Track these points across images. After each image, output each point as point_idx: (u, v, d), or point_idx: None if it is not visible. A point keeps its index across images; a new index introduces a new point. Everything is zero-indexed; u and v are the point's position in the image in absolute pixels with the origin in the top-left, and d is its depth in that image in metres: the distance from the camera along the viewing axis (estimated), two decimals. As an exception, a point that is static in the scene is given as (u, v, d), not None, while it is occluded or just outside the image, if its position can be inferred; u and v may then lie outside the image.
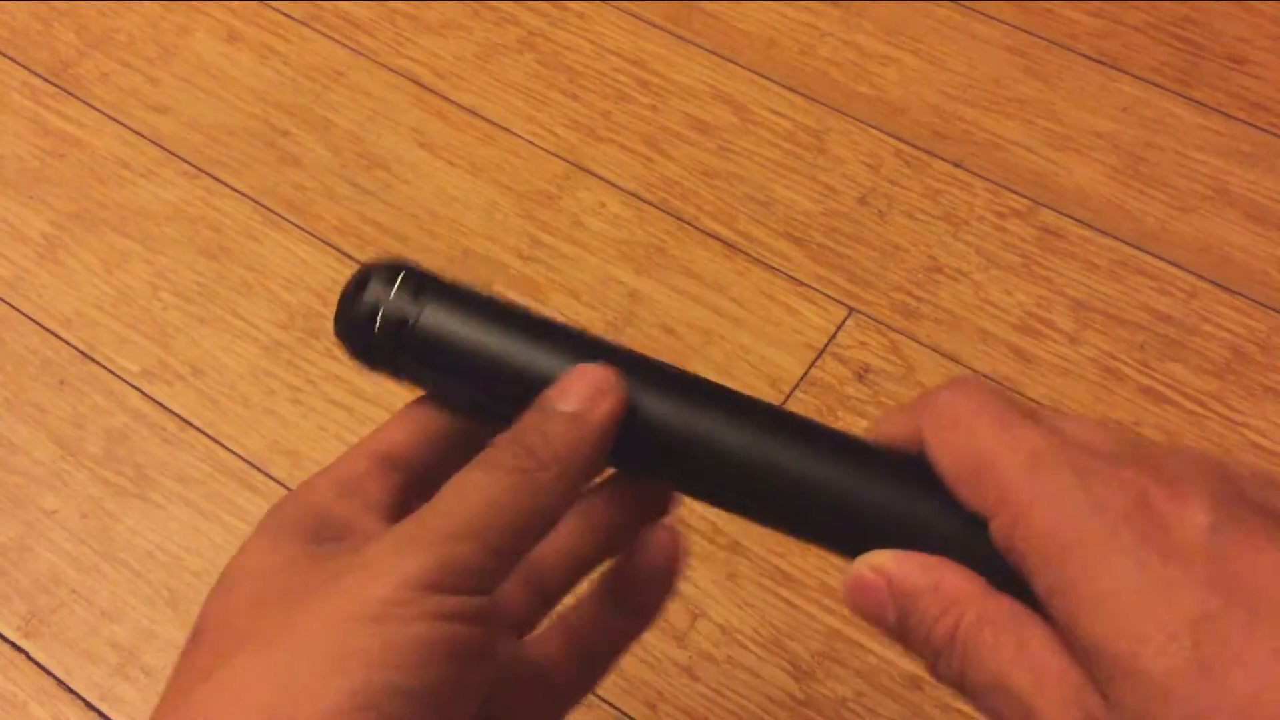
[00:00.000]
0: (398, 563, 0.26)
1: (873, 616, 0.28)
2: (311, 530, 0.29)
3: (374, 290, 0.31)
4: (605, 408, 0.29)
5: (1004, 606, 0.26)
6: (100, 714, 0.58)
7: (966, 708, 0.58)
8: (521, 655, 0.32)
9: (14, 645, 0.60)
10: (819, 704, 0.58)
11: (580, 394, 0.29)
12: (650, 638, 0.60)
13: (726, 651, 0.60)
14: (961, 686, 0.26)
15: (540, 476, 0.28)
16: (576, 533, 0.33)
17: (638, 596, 0.33)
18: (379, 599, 0.25)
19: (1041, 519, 0.25)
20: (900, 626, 0.27)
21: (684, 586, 0.61)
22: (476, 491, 0.27)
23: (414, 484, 0.31)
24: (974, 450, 0.27)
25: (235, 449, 0.66)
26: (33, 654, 0.60)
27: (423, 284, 0.31)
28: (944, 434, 0.28)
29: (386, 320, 0.30)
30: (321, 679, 0.24)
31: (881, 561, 0.28)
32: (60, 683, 0.59)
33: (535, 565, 0.33)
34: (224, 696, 0.25)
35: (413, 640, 0.25)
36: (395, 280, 0.31)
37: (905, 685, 0.59)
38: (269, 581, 0.28)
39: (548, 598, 0.34)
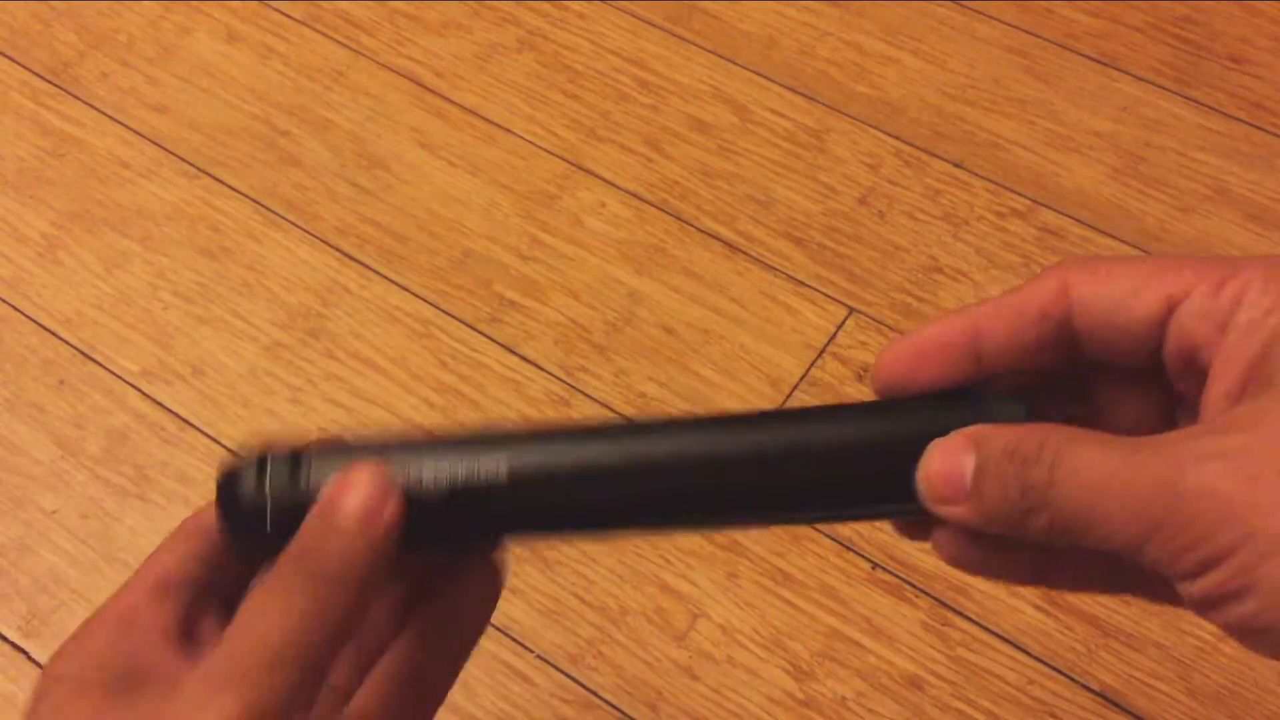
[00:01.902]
0: (215, 711, 0.25)
1: (950, 485, 0.26)
2: (107, 681, 0.28)
3: (249, 486, 0.29)
4: (387, 511, 0.28)
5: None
6: (100, 714, 0.58)
7: (966, 707, 0.58)
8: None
9: (14, 645, 0.60)
10: (819, 704, 0.58)
11: (357, 500, 0.28)
12: (650, 638, 0.60)
13: (726, 651, 0.60)
14: (1061, 525, 0.24)
15: (335, 594, 0.27)
16: (391, 597, 0.32)
17: (452, 638, 0.32)
18: None
19: None
20: (983, 486, 0.25)
21: (684, 586, 0.62)
22: (275, 621, 0.27)
23: (196, 601, 0.31)
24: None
25: (235, 449, 0.66)
26: (33, 654, 0.60)
27: (295, 460, 0.30)
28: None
29: (278, 509, 0.29)
30: None
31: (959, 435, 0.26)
32: (60, 683, 0.59)
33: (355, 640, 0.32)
34: None
35: None
36: (266, 470, 0.29)
37: (905, 685, 0.59)
38: None
39: (370, 656, 0.32)
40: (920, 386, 0.28)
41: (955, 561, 0.28)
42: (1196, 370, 0.26)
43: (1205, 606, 0.23)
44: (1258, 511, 0.22)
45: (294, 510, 0.29)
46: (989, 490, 0.25)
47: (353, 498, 0.28)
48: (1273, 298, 0.24)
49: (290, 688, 0.26)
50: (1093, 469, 0.24)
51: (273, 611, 0.27)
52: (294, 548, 0.28)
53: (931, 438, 0.27)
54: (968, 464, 0.25)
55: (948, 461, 0.26)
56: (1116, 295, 0.26)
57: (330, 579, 0.27)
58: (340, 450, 0.30)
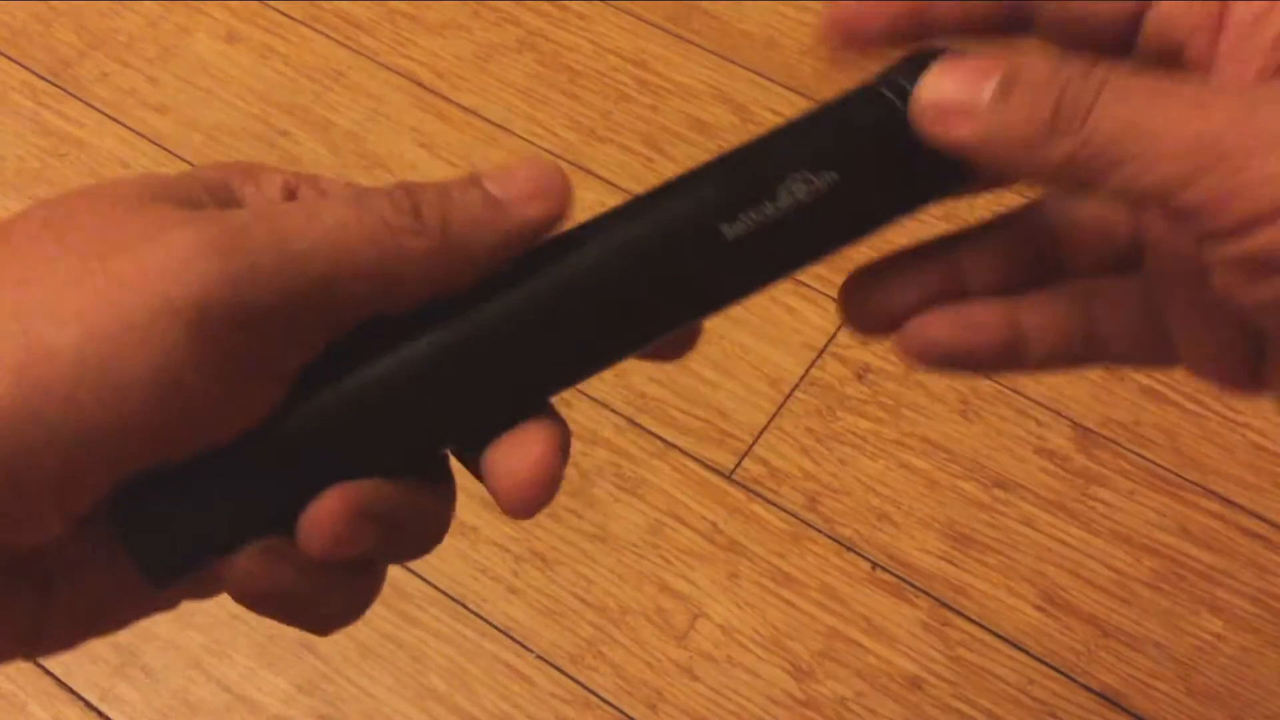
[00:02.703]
0: (202, 263, 0.21)
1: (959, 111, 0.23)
2: (188, 192, 0.23)
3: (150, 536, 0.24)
4: (536, 210, 0.24)
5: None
6: (100, 714, 0.58)
7: (966, 707, 0.58)
8: None
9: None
10: (819, 704, 0.58)
11: (520, 183, 0.24)
12: (650, 638, 0.60)
13: (726, 651, 0.60)
14: (1088, 154, 0.21)
15: (407, 243, 0.23)
16: None
17: None
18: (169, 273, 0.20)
19: None
20: (1006, 101, 0.22)
21: (684, 586, 0.62)
22: (325, 218, 0.22)
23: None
24: None
25: (235, 449, 0.66)
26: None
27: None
28: None
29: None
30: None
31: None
32: (60, 682, 0.59)
33: None
34: None
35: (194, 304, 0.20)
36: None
37: (905, 685, 0.59)
38: (93, 210, 0.22)
39: None
40: (867, 42, 0.25)
41: (927, 333, 0.26)
42: (1176, 68, 0.23)
43: (1242, 273, 0.20)
44: None
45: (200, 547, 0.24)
46: (1016, 103, 0.22)
47: (519, 177, 0.24)
48: None
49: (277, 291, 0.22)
50: (1148, 95, 0.21)
51: (331, 216, 0.22)
52: (414, 182, 0.24)
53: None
54: (987, 82, 0.22)
55: (963, 77, 0.23)
56: None
57: (423, 222, 0.23)
58: None
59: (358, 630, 0.61)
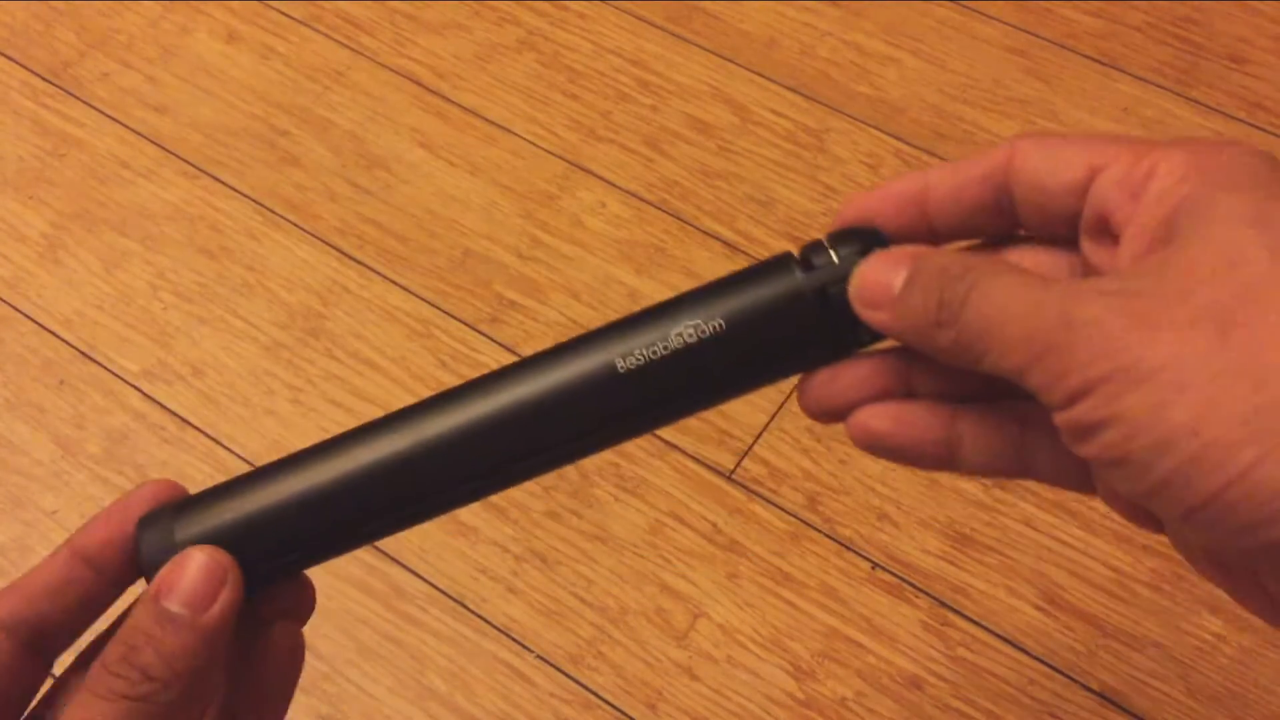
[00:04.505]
0: None
1: (876, 294, 0.27)
2: None
3: (142, 547, 0.29)
4: (222, 602, 0.27)
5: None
6: (100, 714, 0.58)
7: (966, 707, 0.58)
8: None
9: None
10: (819, 704, 0.58)
11: (191, 591, 0.27)
12: (650, 638, 0.60)
13: (726, 651, 0.60)
14: (965, 342, 0.25)
15: (164, 697, 0.26)
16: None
17: (259, 716, 0.30)
18: None
19: None
20: (908, 295, 0.26)
21: (684, 586, 0.62)
22: None
23: (36, 641, 0.29)
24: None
25: (235, 449, 0.66)
26: (33, 654, 0.60)
27: (167, 526, 0.29)
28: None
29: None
30: None
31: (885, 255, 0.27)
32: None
33: None
34: None
35: None
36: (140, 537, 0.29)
37: (905, 685, 0.59)
38: None
39: None
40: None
41: (868, 423, 0.28)
42: (1109, 237, 0.27)
43: (1073, 437, 0.24)
44: (1135, 345, 0.22)
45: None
46: (913, 299, 0.26)
47: (188, 586, 0.27)
48: (1184, 168, 0.25)
49: None
50: (1002, 293, 0.25)
51: (99, 717, 0.26)
52: (120, 642, 0.27)
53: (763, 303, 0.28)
54: (899, 276, 0.26)
55: (884, 270, 0.27)
56: (1050, 164, 0.27)
57: (158, 678, 0.26)
58: (200, 510, 0.29)
59: (358, 630, 0.61)
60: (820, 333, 0.28)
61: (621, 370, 0.28)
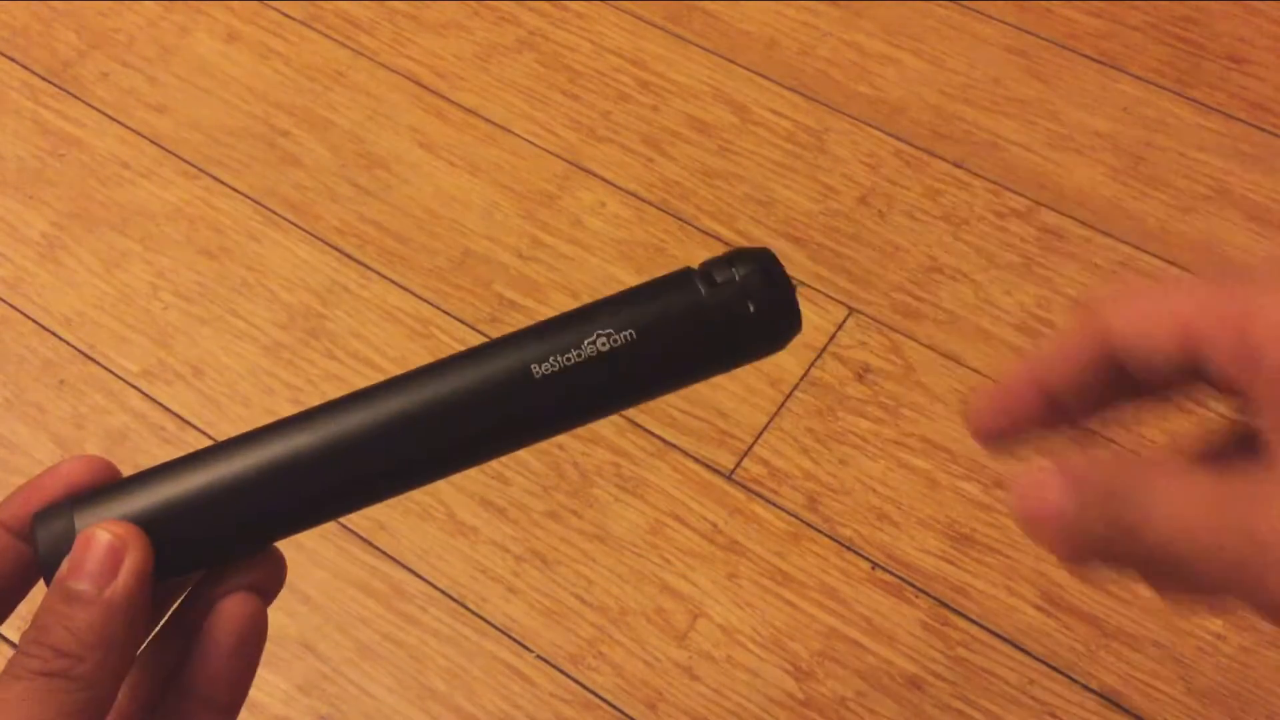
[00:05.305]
0: None
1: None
2: None
3: (39, 539, 0.29)
4: (125, 573, 0.27)
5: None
6: (100, 714, 0.58)
7: (966, 707, 0.58)
8: None
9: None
10: (819, 704, 0.58)
11: (95, 567, 0.27)
12: (650, 638, 0.60)
13: (726, 651, 0.60)
14: (1152, 566, 0.26)
15: (78, 670, 0.26)
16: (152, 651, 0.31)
17: (214, 688, 0.30)
18: None
19: None
20: (1080, 522, 0.26)
21: (684, 586, 0.62)
22: (16, 711, 0.26)
23: None
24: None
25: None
26: (33, 654, 0.60)
27: (66, 518, 0.29)
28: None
29: (49, 572, 0.29)
30: None
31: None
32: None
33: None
34: None
35: None
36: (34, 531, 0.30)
37: (905, 685, 0.59)
38: None
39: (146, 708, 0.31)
40: (1012, 434, 0.30)
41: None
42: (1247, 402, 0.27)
43: None
44: None
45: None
46: (1085, 527, 0.26)
47: (90, 566, 0.27)
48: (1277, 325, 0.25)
49: None
50: (1181, 512, 0.25)
51: (15, 699, 0.26)
52: (34, 625, 0.27)
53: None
54: (1067, 502, 0.27)
55: (1045, 497, 0.27)
56: (1144, 343, 0.27)
57: (72, 654, 0.26)
58: (104, 498, 0.30)
59: (358, 630, 0.61)
60: (722, 344, 0.30)
61: (537, 375, 0.30)
